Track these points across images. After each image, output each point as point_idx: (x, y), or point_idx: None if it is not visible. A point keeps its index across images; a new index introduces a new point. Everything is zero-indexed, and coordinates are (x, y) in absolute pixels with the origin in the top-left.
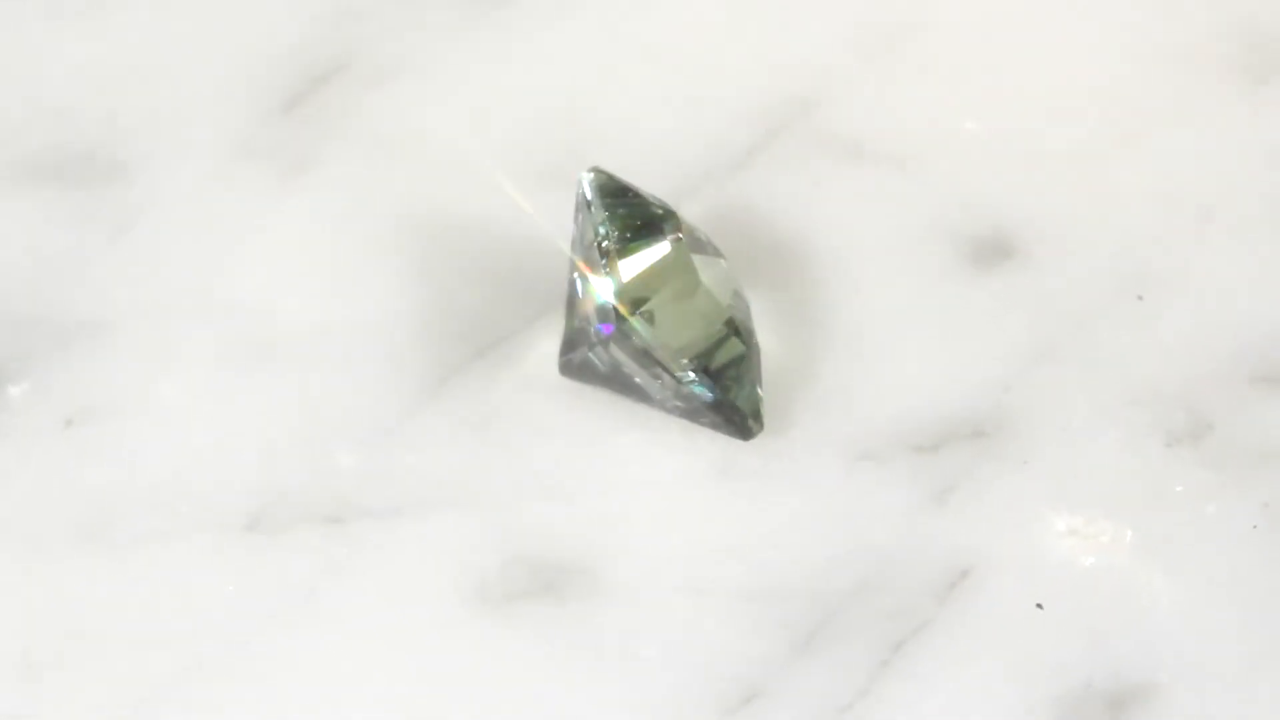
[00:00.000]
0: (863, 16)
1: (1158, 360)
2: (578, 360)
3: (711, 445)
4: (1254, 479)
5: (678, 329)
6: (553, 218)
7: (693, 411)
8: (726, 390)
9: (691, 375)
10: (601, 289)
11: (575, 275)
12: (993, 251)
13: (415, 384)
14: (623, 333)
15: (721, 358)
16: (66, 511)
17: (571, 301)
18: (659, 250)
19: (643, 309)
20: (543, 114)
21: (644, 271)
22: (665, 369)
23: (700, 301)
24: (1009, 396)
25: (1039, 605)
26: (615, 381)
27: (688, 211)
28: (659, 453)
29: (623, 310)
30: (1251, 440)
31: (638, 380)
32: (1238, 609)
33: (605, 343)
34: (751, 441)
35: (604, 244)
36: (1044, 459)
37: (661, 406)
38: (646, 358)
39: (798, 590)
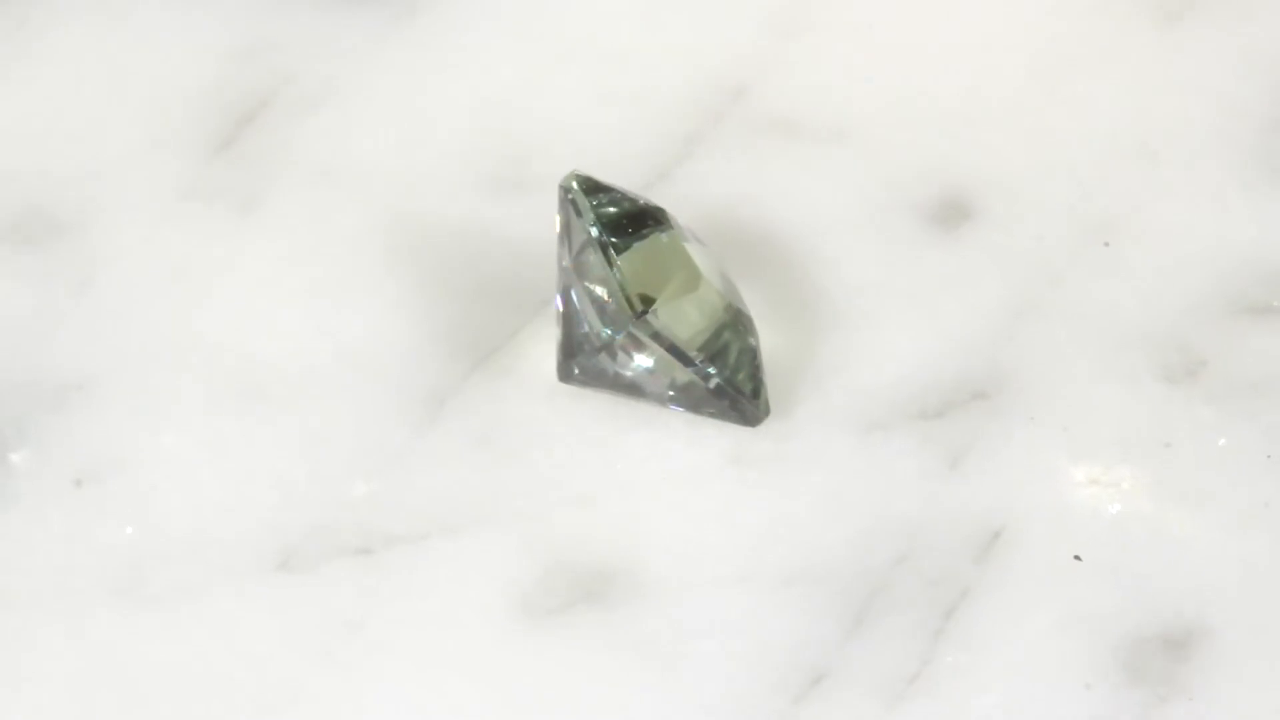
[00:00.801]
0: None
1: (1137, 303)
2: (580, 366)
3: (719, 435)
4: (1257, 408)
5: (687, 321)
6: (515, 225)
7: (695, 403)
8: (735, 377)
9: (711, 368)
10: (608, 294)
11: (567, 283)
12: (953, 214)
13: (415, 406)
14: (634, 335)
15: (730, 345)
16: (96, 570)
17: (567, 308)
18: (657, 243)
19: (654, 307)
20: (478, 123)
21: (646, 266)
22: (685, 363)
23: (704, 291)
24: (1001, 355)
25: (1077, 557)
26: (616, 382)
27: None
28: (669, 448)
29: (633, 308)
30: (1247, 370)
31: (639, 379)
32: (1270, 538)
33: (620, 347)
34: (758, 427)
35: (603, 242)
36: (1049, 412)
37: (660, 401)
38: (662, 354)
39: (837, 568)
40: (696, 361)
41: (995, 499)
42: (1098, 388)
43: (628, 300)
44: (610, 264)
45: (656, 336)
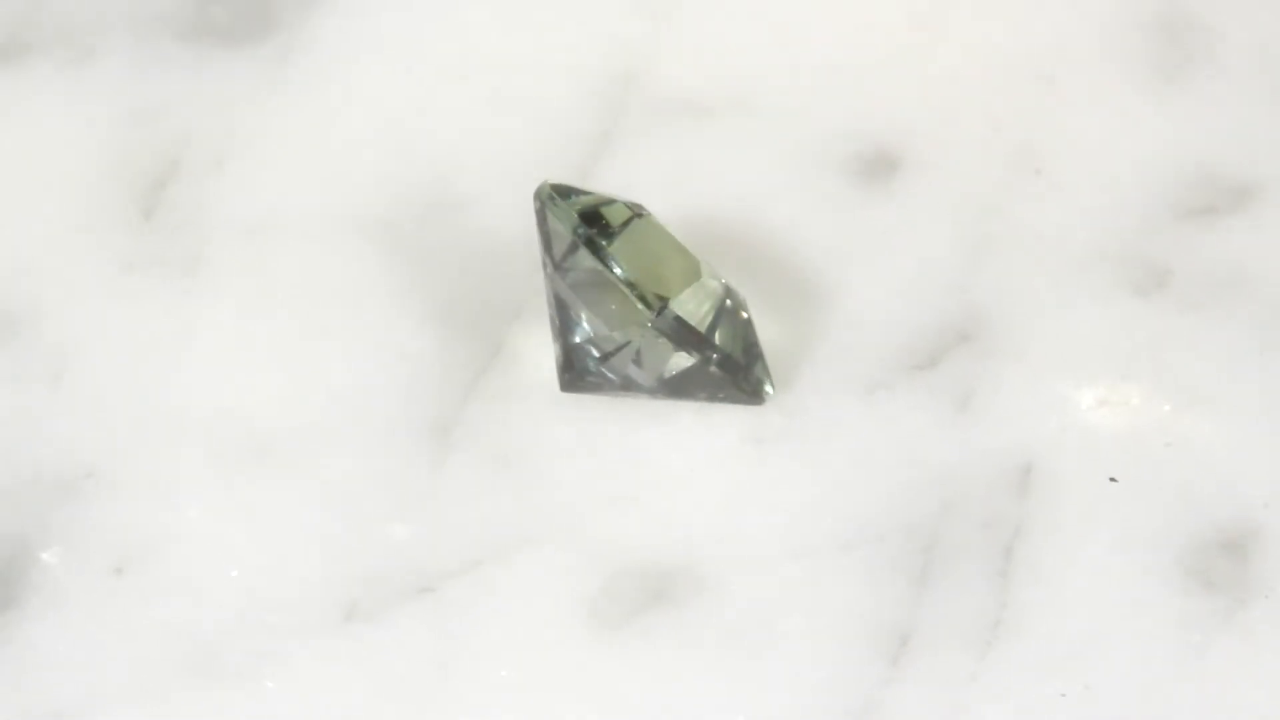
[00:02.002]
0: None
1: (1085, 224)
2: (582, 373)
3: (729, 418)
4: (1234, 305)
5: (697, 307)
6: (462, 243)
7: (702, 389)
8: (740, 356)
9: (717, 351)
10: (614, 299)
11: (557, 291)
12: (882, 166)
13: (423, 441)
14: (655, 331)
15: (733, 325)
16: (166, 653)
17: (564, 319)
18: (640, 230)
19: (669, 302)
20: (386, 151)
21: (642, 259)
22: (699, 350)
23: (704, 274)
24: (972, 295)
25: (1112, 479)
26: (622, 382)
27: None
28: (685, 439)
29: (650, 307)
30: (1212, 271)
31: (644, 374)
32: None
33: (637, 348)
34: (766, 404)
35: (593, 241)
36: (1036, 343)
37: (667, 393)
38: (678, 346)
39: (886, 528)
40: (709, 346)
41: (1013, 436)
42: (1075, 312)
43: (643, 300)
44: (607, 264)
45: (675, 330)
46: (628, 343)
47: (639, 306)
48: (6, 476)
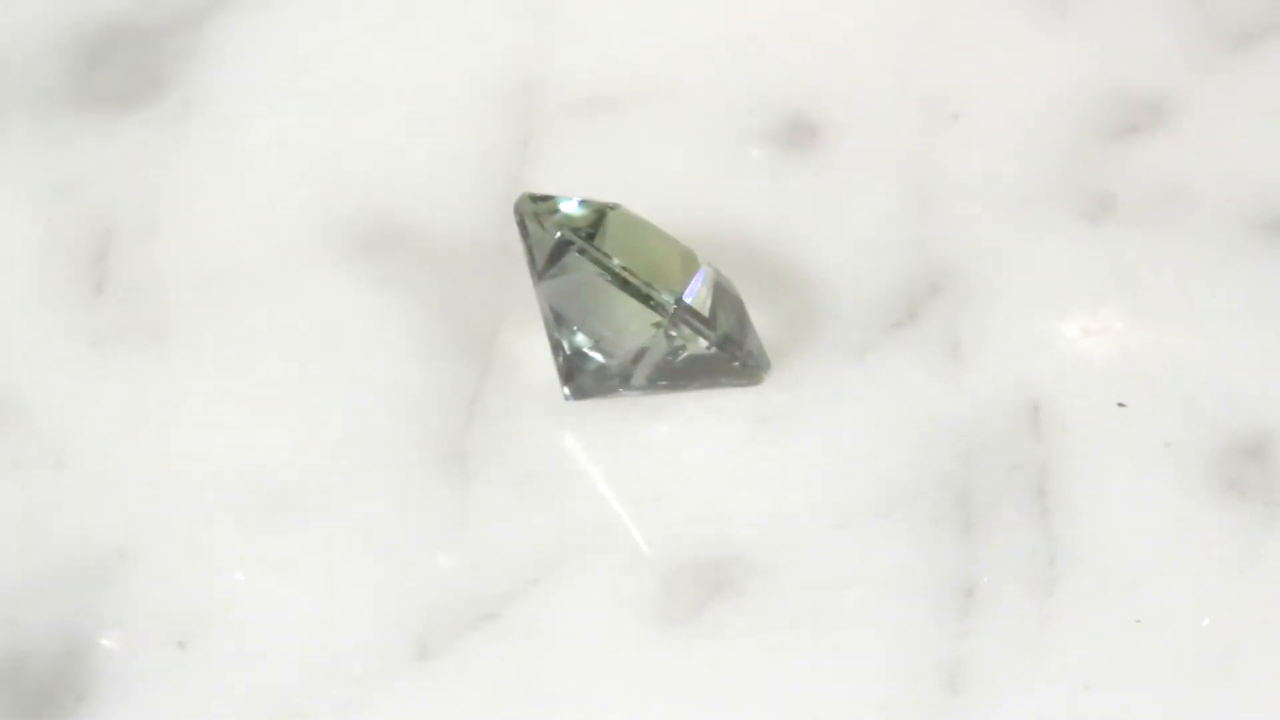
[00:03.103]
0: None
1: (1017, 161)
2: (587, 380)
3: (732, 403)
4: (1182, 218)
5: (705, 296)
6: (415, 273)
7: (703, 376)
8: (739, 337)
9: (715, 333)
10: (621, 305)
11: (550, 300)
12: (803, 133)
13: (440, 470)
14: (677, 324)
15: (730, 307)
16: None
17: (562, 329)
18: (620, 221)
19: (681, 296)
20: (315, 193)
21: (637, 254)
22: (710, 338)
23: (702, 263)
24: (927, 245)
25: (1120, 404)
26: (625, 383)
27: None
28: (696, 429)
29: (665, 310)
30: (1153, 188)
31: (648, 370)
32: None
33: (649, 353)
34: (762, 384)
35: (583, 245)
36: (1005, 283)
37: (669, 385)
38: (696, 337)
39: (917, 486)
40: (715, 330)
41: (1011, 377)
42: (1033, 247)
43: (655, 297)
44: (608, 266)
45: (690, 321)
46: (636, 342)
47: (653, 303)
48: (38, 569)
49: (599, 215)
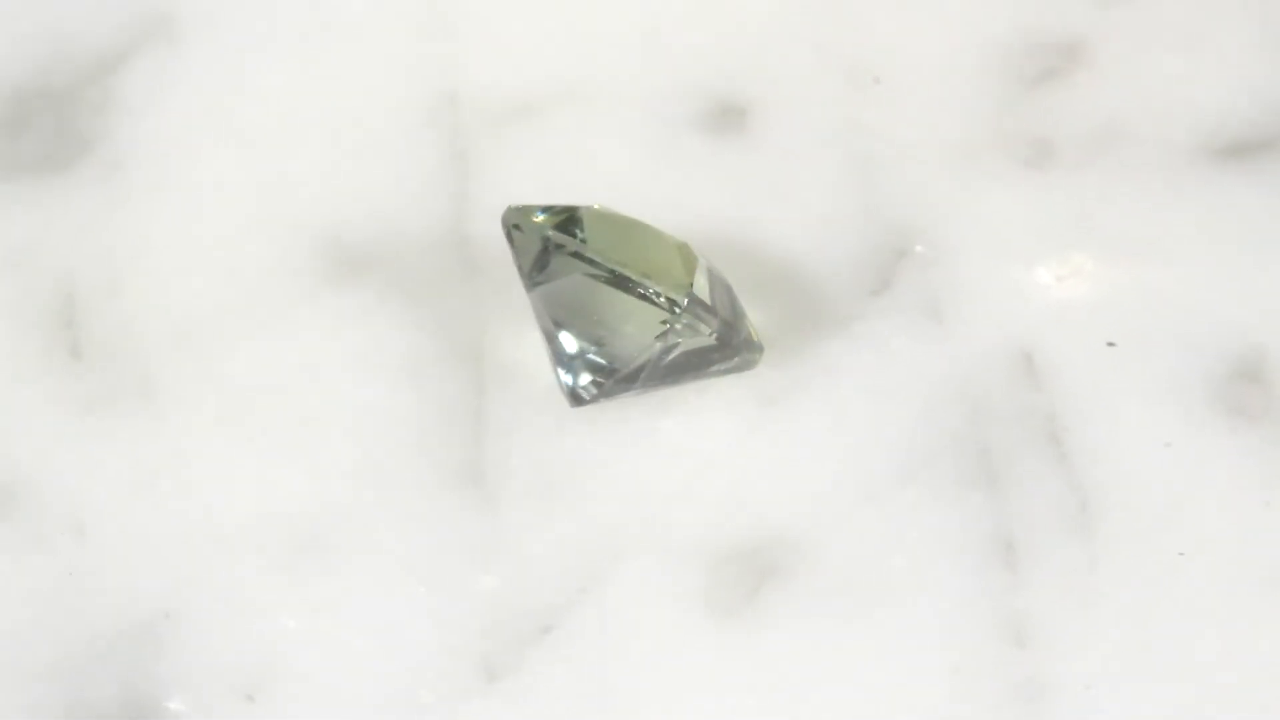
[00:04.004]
0: None
1: (947, 117)
2: (595, 386)
3: (732, 390)
4: (1122, 155)
5: (706, 288)
6: (393, 296)
7: (701, 367)
8: (737, 323)
9: (717, 321)
10: (626, 308)
11: (545, 308)
12: (732, 116)
13: (460, 489)
14: (672, 330)
15: (723, 293)
16: None
17: (565, 336)
18: (602, 218)
19: (690, 292)
20: (274, 231)
21: (632, 249)
22: (717, 328)
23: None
24: (883, 213)
25: (1110, 344)
26: (628, 383)
27: (487, 229)
28: (705, 420)
29: (675, 307)
30: (1085, 128)
31: (650, 367)
32: (1240, 236)
33: (654, 350)
34: (757, 366)
35: (580, 250)
36: (968, 239)
37: (665, 383)
38: (703, 329)
39: (934, 448)
40: (717, 319)
41: (997, 330)
42: (986, 201)
43: (668, 302)
44: (611, 268)
45: (697, 314)
46: (639, 341)
47: (657, 300)
48: (86, 639)
49: (584, 217)
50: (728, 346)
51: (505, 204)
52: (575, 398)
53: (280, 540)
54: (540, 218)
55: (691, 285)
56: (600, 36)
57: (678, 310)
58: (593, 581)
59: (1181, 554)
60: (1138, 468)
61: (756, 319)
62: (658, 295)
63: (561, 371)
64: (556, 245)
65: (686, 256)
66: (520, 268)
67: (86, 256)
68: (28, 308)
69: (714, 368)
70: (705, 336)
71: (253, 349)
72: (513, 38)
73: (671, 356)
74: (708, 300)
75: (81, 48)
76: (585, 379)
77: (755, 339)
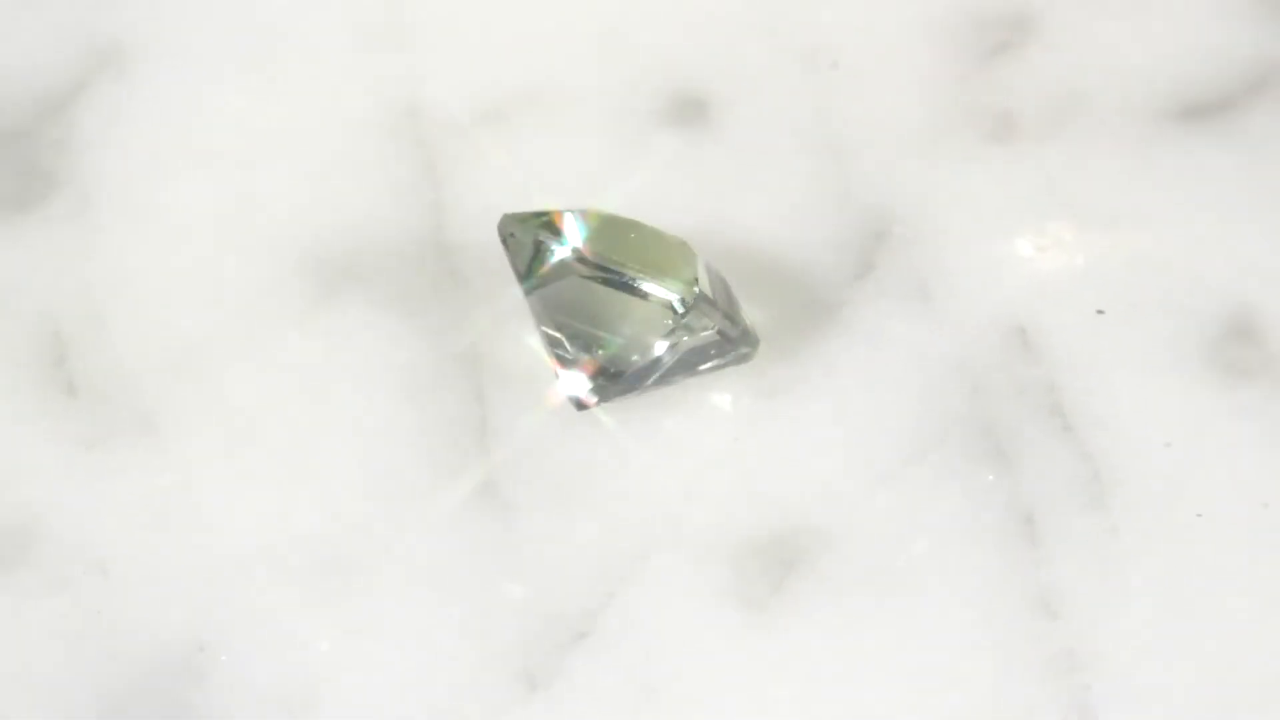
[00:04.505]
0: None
1: (884, 96)
2: (599, 390)
3: (732, 383)
4: (1085, 125)
5: (706, 284)
6: (378, 315)
7: (700, 362)
8: (735, 315)
9: (726, 314)
10: (628, 308)
11: (546, 313)
12: (692, 110)
13: (476, 501)
14: (679, 328)
15: (719, 285)
16: None
17: (570, 341)
18: (604, 218)
19: (697, 288)
20: (253, 256)
21: (636, 252)
22: (721, 321)
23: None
24: (857, 197)
25: (1099, 311)
26: (631, 384)
27: (467, 237)
28: (709, 415)
29: (685, 306)
30: (1046, 96)
31: (658, 369)
32: (1207, 200)
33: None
34: (755, 358)
35: (582, 254)
36: (944, 217)
37: (661, 383)
38: (708, 325)
39: (940, 428)
40: (719, 312)
41: (985, 305)
42: (956, 176)
43: (674, 300)
44: (614, 270)
45: (703, 309)
46: (642, 340)
47: (666, 300)
48: (125, 678)
49: (577, 219)
50: (728, 341)
51: (481, 211)
52: (580, 402)
53: (303, 564)
54: (532, 222)
55: (696, 282)
56: (554, 39)
57: (684, 307)
58: (620, 583)
59: (1199, 515)
60: (1144, 433)
61: (745, 311)
62: (662, 293)
63: (564, 376)
64: (549, 249)
65: (687, 253)
66: (517, 273)
67: (67, 293)
68: (15, 349)
69: (713, 363)
70: (710, 332)
71: (247, 373)
72: (469, 45)
73: (675, 354)
74: (712, 295)
75: (32, 86)
76: (589, 383)
77: (752, 332)
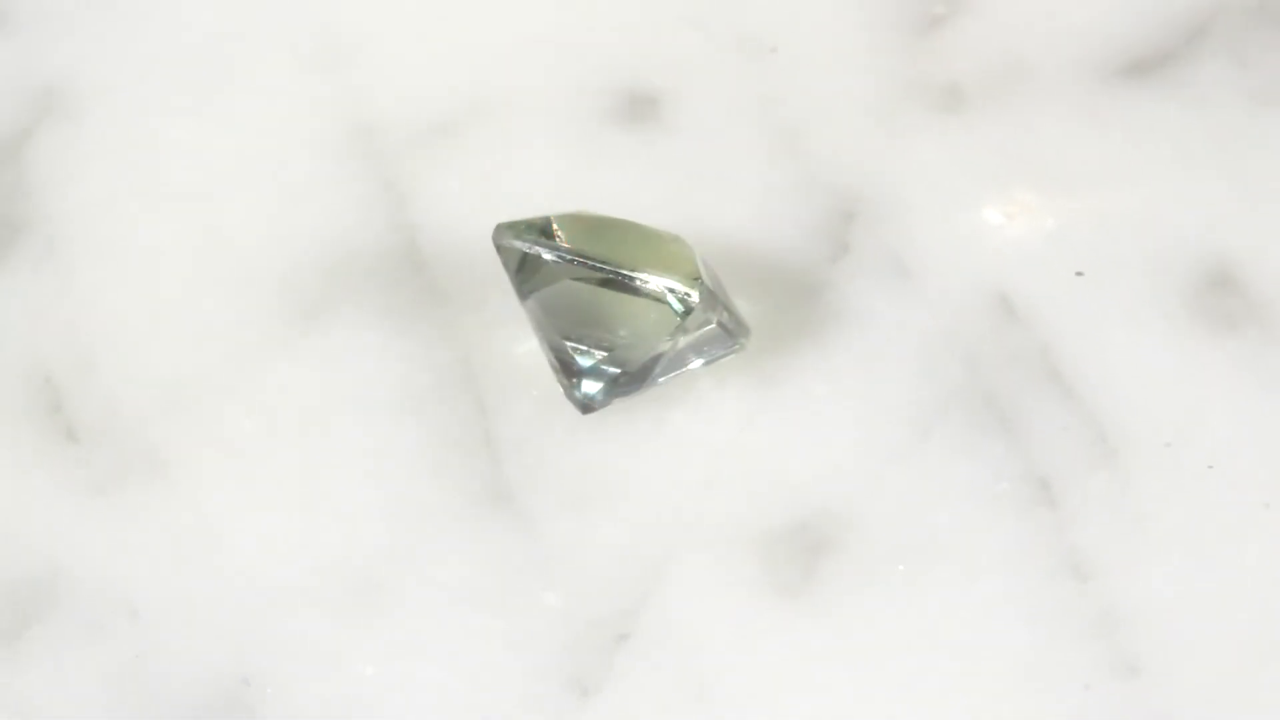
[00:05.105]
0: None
1: (849, 76)
2: (602, 392)
3: (727, 374)
4: (1032, 91)
5: (707, 277)
6: (367, 337)
7: (696, 355)
8: (730, 307)
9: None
10: (632, 309)
11: (545, 316)
12: (643, 107)
13: (496, 512)
14: (683, 326)
15: (713, 276)
16: None
17: (571, 345)
18: (595, 220)
19: (700, 286)
20: (230, 287)
21: (628, 249)
22: (729, 321)
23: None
24: (816, 180)
25: (1078, 273)
26: (632, 384)
27: (441, 251)
28: (711, 407)
29: (687, 306)
30: (987, 65)
31: (653, 363)
32: (1184, 152)
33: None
34: (749, 346)
35: (583, 255)
36: (907, 192)
37: (674, 370)
38: (710, 320)
39: (941, 401)
40: (720, 305)
41: (965, 279)
42: (912, 150)
43: (679, 296)
44: (615, 271)
45: (707, 306)
46: (644, 339)
47: (668, 297)
48: (177, 717)
49: (563, 223)
50: (727, 333)
51: (450, 222)
52: (585, 406)
53: (333, 590)
54: (525, 229)
55: (699, 275)
56: (494, 48)
57: (691, 302)
58: (654, 582)
59: (1211, 466)
60: (1141, 391)
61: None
62: (667, 290)
63: (567, 380)
64: (544, 255)
65: (684, 248)
66: (513, 280)
67: (51, 339)
68: (10, 400)
69: (711, 355)
70: (712, 325)
71: (245, 404)
72: (412, 61)
73: (679, 350)
74: (713, 288)
75: None
76: (594, 385)
77: (744, 322)
